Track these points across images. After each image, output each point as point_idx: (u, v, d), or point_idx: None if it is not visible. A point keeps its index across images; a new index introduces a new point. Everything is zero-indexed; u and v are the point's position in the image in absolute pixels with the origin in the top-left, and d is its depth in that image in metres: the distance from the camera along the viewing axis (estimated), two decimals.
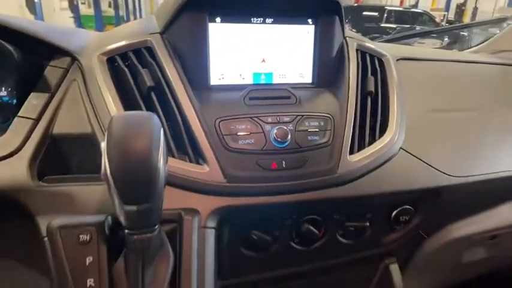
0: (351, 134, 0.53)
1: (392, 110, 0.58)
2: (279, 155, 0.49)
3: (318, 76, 0.58)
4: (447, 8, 10.41)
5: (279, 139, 0.49)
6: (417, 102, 0.64)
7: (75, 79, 0.53)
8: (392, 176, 0.55)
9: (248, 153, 0.49)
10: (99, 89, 0.49)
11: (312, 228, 0.55)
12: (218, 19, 0.53)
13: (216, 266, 0.48)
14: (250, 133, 0.49)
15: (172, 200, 0.45)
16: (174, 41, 0.52)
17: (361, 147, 0.54)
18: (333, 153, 0.51)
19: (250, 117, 0.50)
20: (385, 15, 7.05)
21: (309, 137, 0.51)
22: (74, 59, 0.54)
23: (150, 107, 0.49)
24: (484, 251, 0.74)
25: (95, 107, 0.50)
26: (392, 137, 0.55)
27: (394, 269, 0.65)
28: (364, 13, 7.15)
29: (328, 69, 0.58)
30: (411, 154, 0.57)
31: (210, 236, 0.47)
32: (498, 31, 1.06)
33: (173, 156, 0.48)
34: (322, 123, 0.52)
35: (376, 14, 7.11)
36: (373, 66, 0.60)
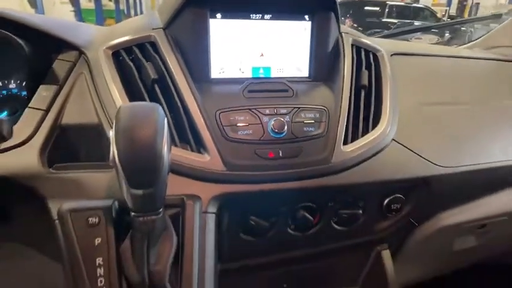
0: (344, 126, 0.55)
1: (385, 103, 0.60)
2: (276, 145, 0.52)
3: (314, 70, 0.60)
4: (449, 3, 10.34)
5: (276, 130, 0.52)
6: (410, 95, 0.66)
7: (82, 72, 0.55)
8: (384, 166, 0.57)
9: (247, 143, 0.51)
10: (105, 81, 0.52)
11: (307, 215, 0.58)
12: (219, 15, 0.55)
13: (216, 249, 0.51)
14: (249, 124, 0.52)
15: (176, 186, 0.47)
16: (177, 36, 0.55)
17: (354, 138, 0.56)
18: (327, 143, 0.54)
19: (249, 109, 0.53)
20: (387, 10, 7.02)
21: (305, 128, 0.54)
22: (80, 52, 0.56)
23: (154, 99, 0.51)
24: (473, 240, 0.77)
25: (101, 98, 0.52)
26: (385, 128, 0.58)
27: (386, 255, 0.68)
28: (366, 8, 7.12)
29: (324, 63, 0.60)
30: (402, 145, 0.59)
31: (211, 220, 0.50)
32: None
33: (176, 146, 0.50)
34: (317, 115, 0.55)
35: (377, 9, 7.08)
36: (367, 60, 0.63)
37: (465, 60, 0.83)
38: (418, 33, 1.36)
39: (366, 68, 0.61)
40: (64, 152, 0.52)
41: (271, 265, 0.64)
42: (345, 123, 0.55)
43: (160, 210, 0.40)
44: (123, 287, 0.42)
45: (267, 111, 0.53)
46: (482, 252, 0.84)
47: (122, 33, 0.55)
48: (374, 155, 0.57)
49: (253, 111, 0.53)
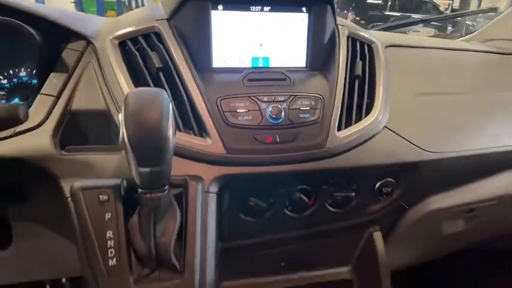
0: (338, 113, 0.58)
1: (378, 92, 0.63)
2: (273, 130, 0.55)
3: (311, 60, 0.63)
4: None
5: (273, 116, 0.55)
6: (403, 85, 0.69)
7: (90, 61, 0.58)
8: (375, 151, 0.60)
9: (246, 128, 0.54)
10: (112, 69, 0.55)
11: (303, 197, 0.61)
12: (220, 7, 0.57)
13: (217, 227, 0.54)
14: (248, 110, 0.55)
15: (179, 168, 0.51)
16: (180, 27, 0.57)
17: (348, 124, 0.59)
18: (322, 129, 0.57)
19: (249, 96, 0.56)
20: (389, 3, 6.97)
21: (301, 115, 0.57)
22: (88, 42, 0.59)
23: (159, 86, 0.54)
24: (462, 224, 0.80)
25: (108, 85, 0.55)
26: (377, 116, 0.61)
27: (378, 236, 0.72)
28: (368, 1, 7.07)
29: (320, 54, 0.63)
30: (394, 132, 0.62)
31: (212, 200, 0.53)
32: None
33: (180, 131, 0.53)
34: (313, 103, 0.58)
35: (380, 1, 7.03)
36: (362, 52, 0.65)
37: (459, 53, 0.85)
38: (416, 26, 1.38)
39: (360, 59, 0.64)
40: (74, 135, 0.55)
41: (269, 245, 0.68)
42: (339, 111, 0.58)
43: (166, 187, 0.44)
44: (131, 258, 0.46)
45: (265, 99, 0.56)
46: (471, 237, 0.87)
47: (128, 24, 0.58)
48: (366, 140, 0.60)
49: (252, 99, 0.56)
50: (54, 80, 0.56)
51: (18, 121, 0.43)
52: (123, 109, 0.38)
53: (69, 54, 0.58)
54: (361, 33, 0.67)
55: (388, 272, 0.72)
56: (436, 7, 7.48)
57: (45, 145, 0.51)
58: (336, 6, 0.64)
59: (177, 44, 0.56)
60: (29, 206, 0.59)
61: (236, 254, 0.66)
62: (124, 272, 0.45)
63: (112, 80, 0.54)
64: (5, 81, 0.60)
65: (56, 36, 0.58)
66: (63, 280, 0.82)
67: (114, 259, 0.45)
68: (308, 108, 0.57)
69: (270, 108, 0.55)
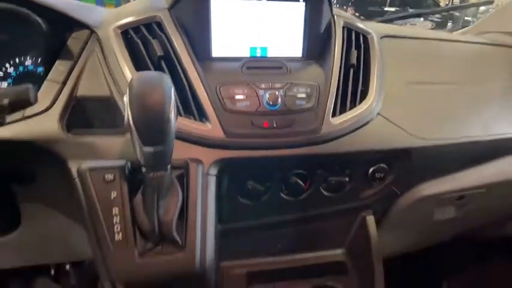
0: (333, 100, 0.60)
1: (372, 80, 0.65)
2: (270, 116, 0.57)
3: (308, 50, 0.65)
4: None
5: (270, 102, 0.57)
6: (397, 75, 0.71)
7: (94, 49, 0.60)
8: (369, 137, 0.63)
9: (244, 114, 0.57)
10: (115, 57, 0.57)
11: (299, 181, 0.64)
12: None
13: (217, 208, 0.57)
14: (246, 97, 0.57)
15: (181, 151, 0.53)
16: (181, 16, 0.59)
17: (342, 111, 0.61)
18: (317, 115, 0.59)
19: (247, 84, 0.58)
20: None
21: (297, 102, 0.59)
22: (92, 31, 0.61)
23: None
24: (452, 211, 0.83)
25: (112, 73, 0.57)
26: (371, 103, 0.63)
27: (370, 220, 0.74)
28: None
29: (316, 44, 0.65)
30: (387, 119, 0.65)
31: (212, 182, 0.56)
32: None
33: (181, 116, 0.56)
34: (309, 90, 0.60)
35: None
36: (357, 42, 0.67)
37: (454, 44, 0.87)
38: (414, 20, 1.40)
39: (355, 49, 0.66)
40: (80, 120, 0.57)
41: (266, 227, 0.71)
42: (334, 98, 0.61)
43: (168, 167, 0.46)
44: (136, 233, 0.49)
45: (263, 86, 0.58)
46: (462, 225, 0.89)
47: (130, 13, 0.60)
48: (360, 127, 0.62)
49: (250, 86, 0.58)
50: (59, 68, 0.58)
51: (28, 103, 0.45)
52: (127, 92, 0.40)
53: (73, 43, 0.60)
54: (357, 23, 0.69)
55: (380, 256, 0.75)
56: (436, 2, 7.44)
57: (52, 128, 0.53)
58: (335, 1, 0.66)
59: (177, 33, 0.58)
60: (38, 189, 0.61)
61: (235, 236, 0.69)
62: (129, 246, 0.48)
63: (115, 68, 0.56)
64: (11, 70, 0.63)
65: (61, 25, 0.60)
66: (67, 267, 0.85)
67: (120, 234, 0.48)
68: (304, 95, 0.60)
69: (267, 95, 0.57)
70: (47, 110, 0.54)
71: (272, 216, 0.69)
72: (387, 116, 0.65)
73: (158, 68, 0.57)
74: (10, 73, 0.62)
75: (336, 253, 0.79)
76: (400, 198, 0.75)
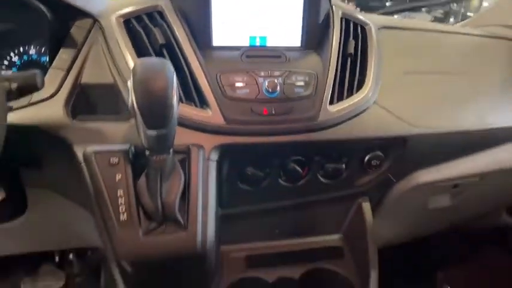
0: (331, 88, 0.62)
1: (370, 70, 0.66)
2: (269, 103, 0.59)
3: (306, 40, 0.66)
4: None
5: (270, 90, 0.59)
6: (394, 65, 0.72)
7: (98, 38, 0.61)
8: (365, 125, 0.64)
9: (244, 101, 0.58)
10: (118, 46, 0.58)
11: (297, 167, 0.66)
12: None
13: (217, 193, 0.59)
14: (246, 84, 0.59)
15: (182, 137, 0.55)
16: (182, 6, 0.61)
17: (340, 99, 0.63)
18: (315, 103, 0.61)
19: (246, 72, 0.60)
20: None
21: (295, 90, 0.61)
22: (95, 20, 0.62)
23: None
24: (447, 200, 0.84)
25: (115, 61, 0.58)
26: (368, 92, 0.64)
27: (366, 207, 0.76)
28: None
29: (315, 33, 0.66)
30: (383, 107, 0.66)
31: (213, 167, 0.58)
32: None
33: (182, 103, 0.57)
34: (307, 78, 0.62)
35: None
36: (355, 32, 0.69)
37: (452, 35, 0.87)
38: (414, 13, 1.40)
39: (353, 39, 0.67)
40: (84, 107, 0.59)
41: (265, 212, 0.73)
42: (331, 86, 0.62)
43: (171, 151, 0.48)
44: (140, 214, 0.51)
45: (262, 74, 0.60)
46: (457, 214, 0.91)
47: (132, 2, 0.61)
48: (357, 115, 0.63)
49: (249, 73, 0.60)
50: (63, 56, 0.59)
51: (35, 88, 0.46)
52: (131, 77, 0.41)
53: (77, 32, 0.61)
54: (355, 14, 0.70)
55: (375, 241, 0.77)
56: None
57: (58, 114, 0.55)
58: None
59: (179, 22, 0.59)
60: (45, 175, 0.63)
61: (234, 221, 0.71)
62: (134, 226, 0.50)
63: (118, 56, 0.58)
64: (16, 59, 0.64)
65: (65, 14, 0.61)
66: (71, 256, 0.87)
67: (125, 214, 0.50)
68: (302, 83, 0.61)
69: (266, 83, 0.59)
70: (52, 96, 0.56)
71: (271, 202, 0.71)
72: (384, 104, 0.66)
73: (160, 56, 0.58)
74: (15, 62, 0.64)
75: (333, 238, 0.81)
76: (395, 186, 0.76)
